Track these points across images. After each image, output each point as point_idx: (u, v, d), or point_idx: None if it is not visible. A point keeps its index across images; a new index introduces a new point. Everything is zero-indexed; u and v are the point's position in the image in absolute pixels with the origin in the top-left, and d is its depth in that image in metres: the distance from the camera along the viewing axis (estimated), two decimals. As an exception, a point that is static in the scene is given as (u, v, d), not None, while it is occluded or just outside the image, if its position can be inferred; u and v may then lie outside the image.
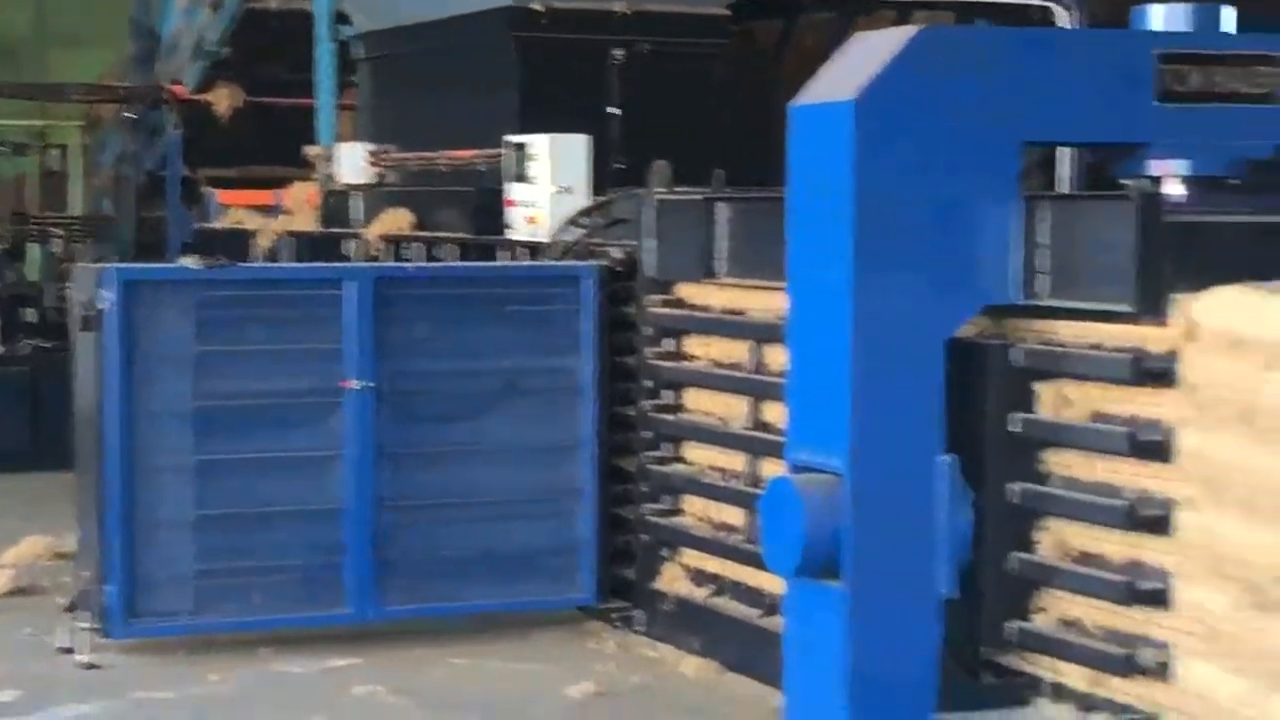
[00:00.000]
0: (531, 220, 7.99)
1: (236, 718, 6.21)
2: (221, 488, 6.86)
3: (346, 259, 9.17)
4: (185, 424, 6.68)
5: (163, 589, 6.60)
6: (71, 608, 6.77)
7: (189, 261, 6.88)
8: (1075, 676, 5.30)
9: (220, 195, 11.13)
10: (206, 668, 6.38)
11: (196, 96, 11.84)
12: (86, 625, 6.59)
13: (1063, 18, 8.54)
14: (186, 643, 6.65)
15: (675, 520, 7.07)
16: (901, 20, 9.62)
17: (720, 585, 6.77)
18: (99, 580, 6.59)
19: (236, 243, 10.09)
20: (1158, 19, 5.79)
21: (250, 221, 10.53)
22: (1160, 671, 4.97)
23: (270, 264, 9.59)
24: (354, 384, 6.88)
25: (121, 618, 6.49)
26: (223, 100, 11.91)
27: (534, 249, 7.85)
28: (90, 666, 6.47)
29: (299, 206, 10.41)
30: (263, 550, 6.92)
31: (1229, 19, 5.82)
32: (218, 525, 6.65)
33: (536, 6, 8.66)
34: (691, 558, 7.00)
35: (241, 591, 6.86)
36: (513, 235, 8.06)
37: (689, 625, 6.97)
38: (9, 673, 6.42)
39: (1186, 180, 5.74)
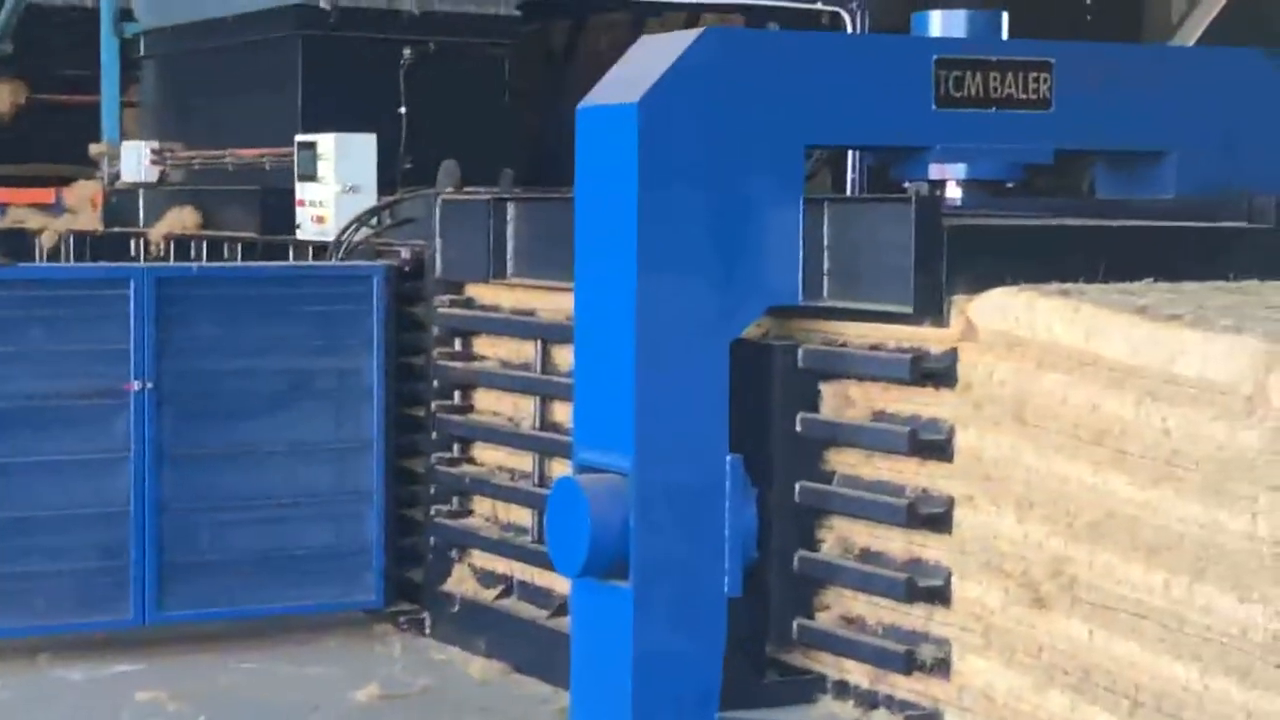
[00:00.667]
0: (319, 220, 7.85)
1: (15, 727, 5.91)
2: (1, 491, 6.64)
3: (130, 258, 8.78)
4: (-36, 426, 6.44)
5: (-59, 596, 6.36)
6: None
7: (-32, 261, 6.59)
8: (858, 673, 5.31)
9: (1, 193, 10.74)
10: (-15, 675, 6.09)
11: (-25, 92, 11.51)
12: None
13: (849, 23, 8.56)
14: (-36, 650, 6.34)
15: (464, 522, 7.05)
16: (692, 23, 9.64)
17: (509, 586, 6.76)
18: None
19: (18, 242, 9.70)
20: (937, 25, 5.84)
21: (32, 220, 10.23)
22: (940, 668, 4.99)
23: (52, 264, 9.25)
24: (136, 385, 6.65)
25: (-100, 626, 6.21)
26: (4, 97, 11.56)
27: (321, 249, 7.69)
28: None
29: (82, 205, 10.15)
30: (44, 554, 6.71)
31: (1004, 26, 5.88)
32: (-2, 529, 6.47)
33: (323, 5, 8.56)
34: (480, 559, 6.99)
35: (22, 596, 6.64)
36: (301, 235, 7.91)
37: (477, 627, 6.94)
38: None
39: (966, 183, 5.87)
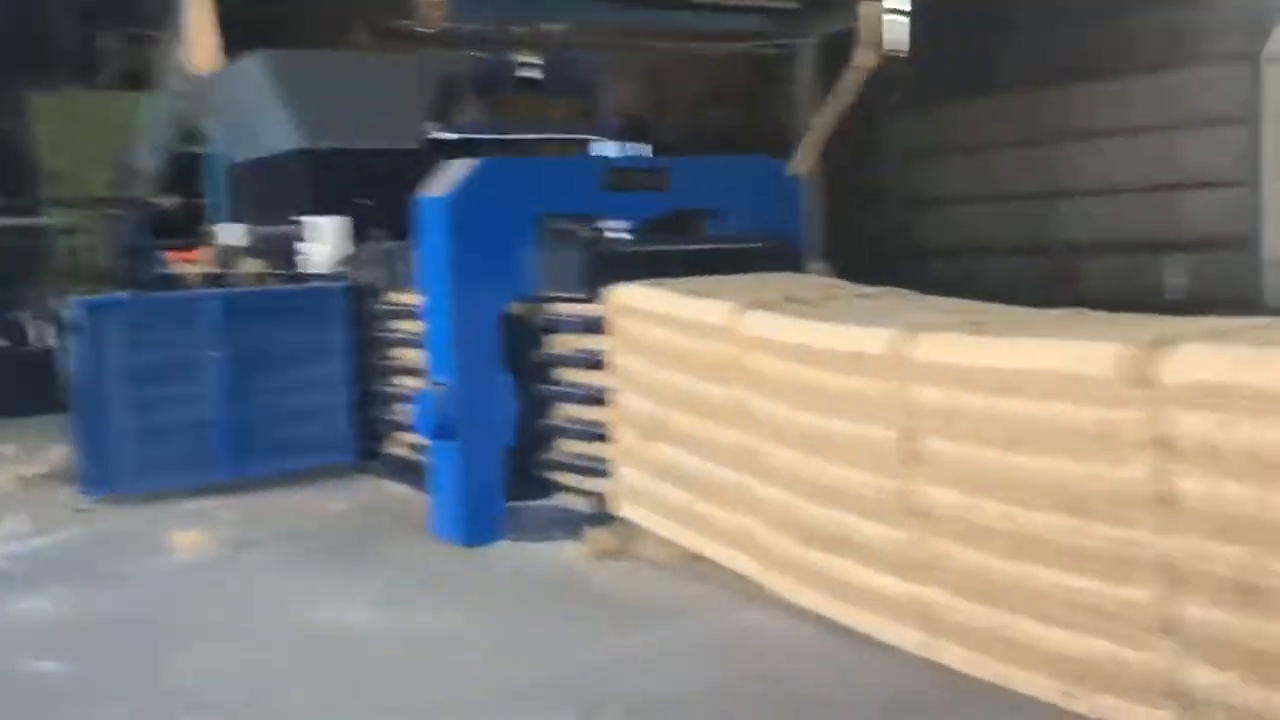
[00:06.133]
0: (316, 263, 8.09)
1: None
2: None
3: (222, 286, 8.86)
4: None
5: None
6: None
7: None
8: (572, 479, 6.11)
9: (173, 255, 10.29)
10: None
11: None
12: None
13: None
14: None
15: (394, 418, 7.35)
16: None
17: (416, 448, 6.87)
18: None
19: (176, 280, 9.83)
20: (608, 150, 6.85)
21: (183, 268, 9.93)
22: (609, 474, 5.86)
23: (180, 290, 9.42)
24: (215, 353, 7.17)
25: None
26: (175, 201, 11.08)
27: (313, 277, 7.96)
28: None
29: (207, 258, 9.79)
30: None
31: (647, 150, 6.89)
32: None
33: (314, 147, 8.56)
34: (403, 436, 7.26)
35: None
36: (306, 270, 8.16)
37: (401, 471, 7.30)
38: None
39: (619, 229, 6.42)
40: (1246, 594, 3.38)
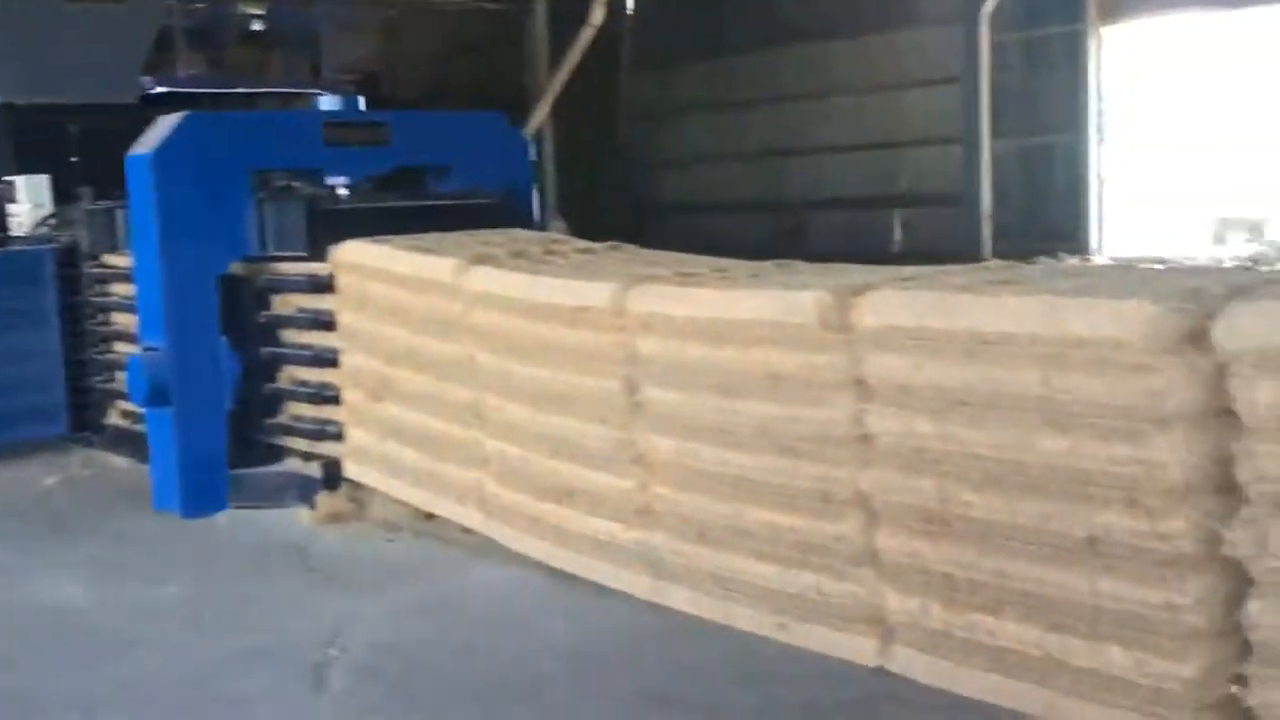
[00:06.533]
0: (19, 224, 7.88)
1: None
2: None
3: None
4: None
5: None
6: None
7: None
8: (301, 444, 6.10)
9: None
10: None
11: None
12: None
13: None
14: None
15: (110, 386, 7.32)
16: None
17: (134, 418, 6.88)
18: None
19: None
20: (326, 103, 6.74)
21: None
22: (338, 436, 5.86)
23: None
24: None
25: None
26: None
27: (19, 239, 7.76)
28: None
29: None
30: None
31: (362, 102, 6.78)
32: None
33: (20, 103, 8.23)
34: (120, 404, 7.22)
35: None
36: (13, 233, 7.88)
37: (119, 442, 7.19)
38: None
39: (351, 185, 6.41)
40: (937, 523, 3.61)
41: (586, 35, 8.14)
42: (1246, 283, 3.34)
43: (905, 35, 14.35)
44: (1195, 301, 3.12)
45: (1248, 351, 2.94)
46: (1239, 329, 2.97)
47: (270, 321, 6.16)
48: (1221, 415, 3.03)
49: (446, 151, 6.44)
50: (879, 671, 3.78)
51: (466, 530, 5.27)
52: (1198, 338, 3.04)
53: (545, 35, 12.36)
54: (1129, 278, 3.82)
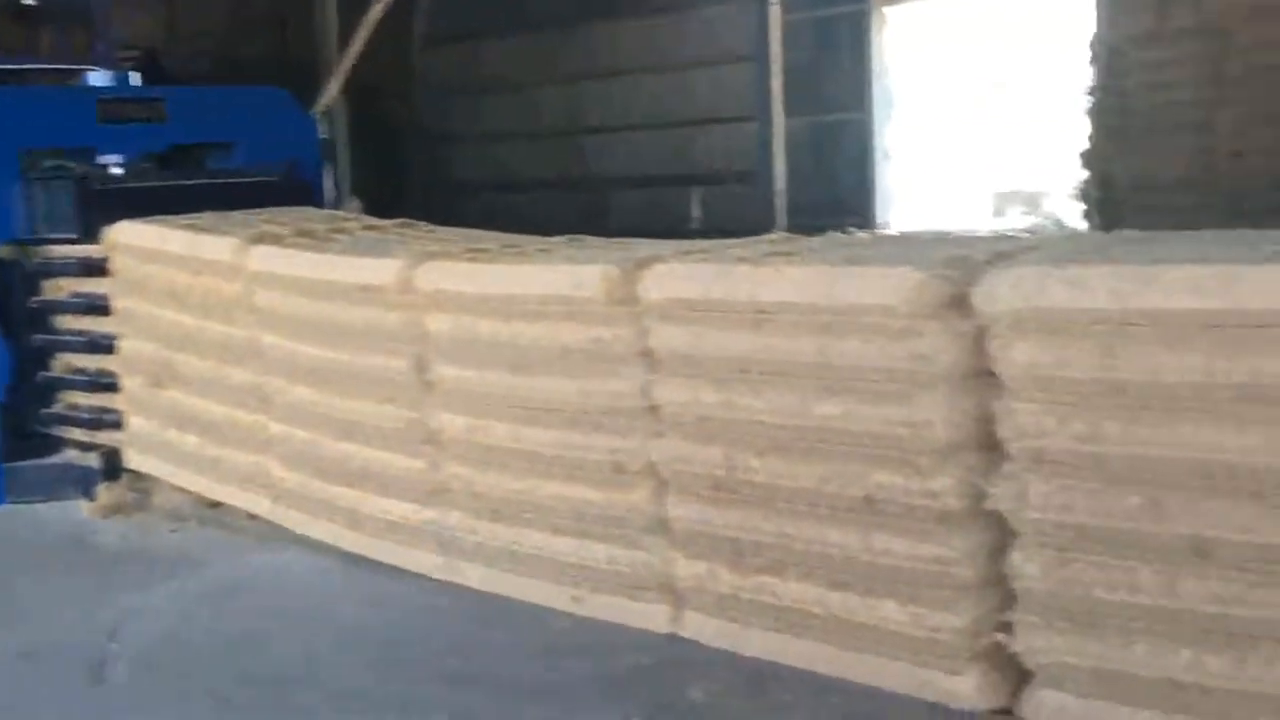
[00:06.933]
0: None
1: None
2: None
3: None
4: None
5: None
6: None
7: None
8: (79, 434, 5.89)
9: None
10: None
11: None
12: None
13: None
14: None
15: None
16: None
17: None
18: None
19: None
20: (98, 79, 6.51)
21: None
22: (117, 425, 5.70)
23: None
24: None
25: None
26: None
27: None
28: None
29: None
30: None
31: (137, 78, 6.65)
32: None
33: None
34: None
35: None
36: None
37: None
38: None
39: (125, 163, 6.28)
40: (724, 490, 3.71)
41: (376, 11, 7.95)
42: (1008, 250, 3.54)
43: (698, 13, 14.55)
44: (958, 269, 3.27)
45: (1004, 315, 3.08)
46: (996, 294, 3.12)
47: (42, 307, 5.95)
48: (983, 376, 3.18)
49: (227, 128, 6.29)
50: (673, 638, 3.86)
51: (253, 517, 5.19)
52: (960, 303, 3.17)
53: (335, 11, 12.13)
54: (901, 248, 3.99)
